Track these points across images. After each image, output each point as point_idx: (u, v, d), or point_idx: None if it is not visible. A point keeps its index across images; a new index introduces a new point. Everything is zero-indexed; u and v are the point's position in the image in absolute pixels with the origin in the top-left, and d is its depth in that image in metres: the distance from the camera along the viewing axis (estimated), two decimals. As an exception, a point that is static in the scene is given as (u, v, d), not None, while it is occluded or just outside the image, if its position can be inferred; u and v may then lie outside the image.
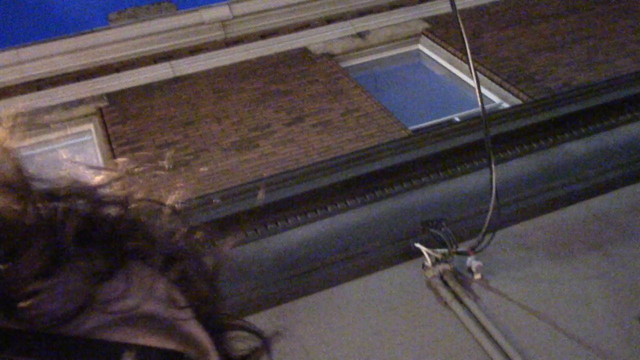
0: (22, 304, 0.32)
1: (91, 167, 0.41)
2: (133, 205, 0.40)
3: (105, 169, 0.42)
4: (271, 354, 0.46)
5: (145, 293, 0.36)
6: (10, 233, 0.34)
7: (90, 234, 0.36)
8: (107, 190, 0.40)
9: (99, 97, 6.34)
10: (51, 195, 0.36)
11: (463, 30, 3.79)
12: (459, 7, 3.98)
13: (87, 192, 0.38)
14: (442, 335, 3.87)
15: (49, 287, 0.33)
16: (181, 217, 0.44)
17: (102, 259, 0.35)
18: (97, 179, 0.40)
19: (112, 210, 0.38)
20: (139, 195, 0.41)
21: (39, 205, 0.35)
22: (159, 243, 0.40)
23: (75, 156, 0.43)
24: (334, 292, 4.11)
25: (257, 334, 0.46)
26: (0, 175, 0.36)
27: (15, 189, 0.36)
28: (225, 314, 0.45)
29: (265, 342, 0.46)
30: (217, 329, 0.43)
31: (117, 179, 0.41)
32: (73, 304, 0.33)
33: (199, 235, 0.45)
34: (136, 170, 0.44)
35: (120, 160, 0.44)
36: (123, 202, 0.39)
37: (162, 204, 0.43)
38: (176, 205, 0.44)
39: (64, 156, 0.42)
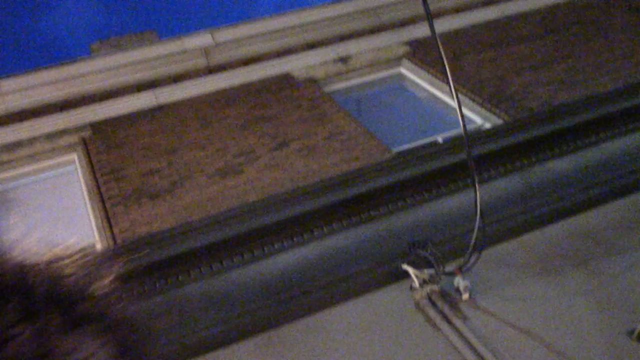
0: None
1: (48, 245, 0.51)
2: (83, 278, 0.49)
3: (57, 246, 0.51)
4: None
5: (93, 351, 0.45)
6: None
7: (51, 300, 0.45)
8: (61, 265, 0.49)
9: (83, 127, 6.33)
10: (21, 267, 0.46)
11: (443, 53, 3.84)
12: (438, 30, 4.03)
13: (47, 266, 0.47)
14: (431, 357, 3.85)
15: (23, 334, 0.41)
16: (122, 291, 0.53)
17: (59, 319, 0.44)
18: (52, 255, 0.50)
19: (67, 282, 0.47)
20: (88, 269, 0.50)
21: (13, 274, 0.45)
22: (104, 310, 0.49)
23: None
24: (322, 316, 4.09)
25: None
26: None
27: None
28: None
29: None
30: None
31: (68, 256, 0.50)
32: (40, 349, 0.41)
33: (133, 304, 0.53)
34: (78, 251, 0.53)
35: (68, 244, 0.52)
36: (75, 276, 0.49)
37: (108, 276, 0.52)
38: (117, 276, 0.53)
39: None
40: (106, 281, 0.51)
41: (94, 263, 0.52)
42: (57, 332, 0.43)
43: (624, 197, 4.89)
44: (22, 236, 0.49)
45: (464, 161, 4.28)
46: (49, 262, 0.48)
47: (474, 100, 6.42)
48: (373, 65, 7.26)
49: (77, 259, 0.50)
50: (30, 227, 0.52)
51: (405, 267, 4.23)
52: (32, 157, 6.11)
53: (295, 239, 4.53)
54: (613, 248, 4.51)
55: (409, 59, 7.27)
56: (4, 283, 0.43)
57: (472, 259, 4.08)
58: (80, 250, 0.51)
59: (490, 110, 6.25)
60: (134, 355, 0.50)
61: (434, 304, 4.10)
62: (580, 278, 4.30)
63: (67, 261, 0.49)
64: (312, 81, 6.90)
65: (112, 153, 5.96)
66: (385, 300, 4.18)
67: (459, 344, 3.86)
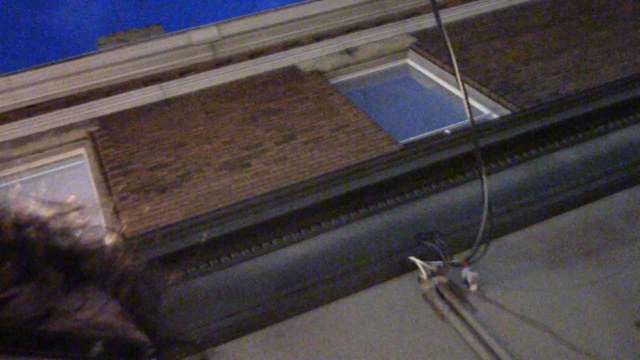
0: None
1: (48, 201, 0.49)
2: (86, 234, 0.48)
3: (58, 203, 0.50)
4: None
5: (99, 308, 0.44)
6: None
7: (53, 257, 0.43)
8: (63, 221, 0.47)
9: (90, 122, 6.35)
10: (20, 223, 0.44)
11: (449, 43, 3.83)
12: (444, 20, 4.01)
13: (48, 222, 0.46)
14: (440, 348, 3.86)
15: (22, 293, 0.40)
16: (129, 243, 0.52)
17: (61, 277, 0.43)
18: (53, 211, 0.48)
19: (69, 239, 0.46)
20: (91, 225, 0.49)
21: (11, 230, 0.43)
22: (110, 267, 0.47)
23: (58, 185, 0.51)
24: (330, 309, 4.10)
25: (198, 348, 0.55)
26: None
27: None
28: (169, 329, 0.53)
29: (205, 356, 0.54)
30: (162, 342, 0.50)
31: (70, 212, 0.49)
32: (41, 309, 0.40)
33: (143, 259, 0.52)
34: (85, 204, 0.52)
35: (71, 198, 0.51)
36: (78, 232, 0.47)
37: (113, 232, 0.51)
38: (124, 233, 0.53)
39: (26, 191, 0.50)
40: (110, 237, 0.50)
41: (97, 220, 0.52)
42: (58, 290, 0.42)
43: (633, 187, 4.87)
44: (20, 194, 0.47)
45: (472, 152, 4.26)
46: (49, 218, 0.46)
47: (481, 91, 6.40)
48: (379, 57, 7.23)
49: (78, 215, 0.49)
50: (28, 187, 0.51)
51: (413, 259, 4.23)
52: (41, 152, 6.14)
53: (302, 231, 4.54)
54: (621, 238, 4.49)
55: (415, 50, 7.24)
56: (1, 240, 0.42)
57: (480, 251, 4.07)
58: (80, 206, 0.51)
59: (497, 101, 6.22)
60: (142, 311, 0.48)
61: (441, 296, 4.10)
62: (589, 269, 4.29)
63: (67, 217, 0.48)
64: (319, 73, 6.89)
65: (120, 147, 5.99)
66: (393, 292, 4.18)
67: (467, 335, 3.87)
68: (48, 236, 0.45)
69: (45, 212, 0.47)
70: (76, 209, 0.49)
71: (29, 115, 6.39)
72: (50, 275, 0.42)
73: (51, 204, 0.48)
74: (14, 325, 0.39)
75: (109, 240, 0.49)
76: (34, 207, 0.47)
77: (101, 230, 0.49)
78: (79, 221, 0.48)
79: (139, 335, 0.46)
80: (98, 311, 0.43)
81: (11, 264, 0.41)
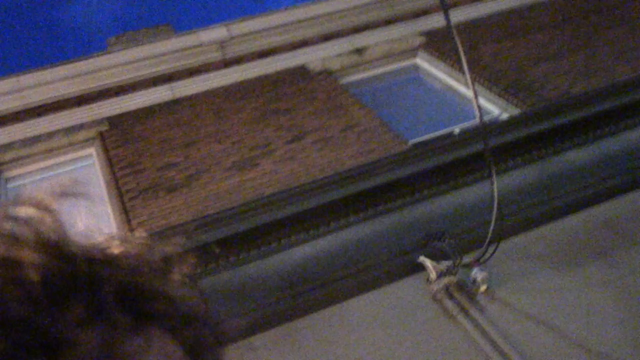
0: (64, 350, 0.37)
1: (111, 235, 0.46)
2: (153, 273, 0.45)
3: (123, 236, 0.47)
4: None
5: (164, 351, 0.42)
6: (56, 286, 0.38)
7: (122, 296, 0.41)
8: (129, 258, 0.44)
9: (100, 122, 6.37)
10: (88, 259, 0.41)
11: (459, 43, 3.81)
12: (454, 20, 4.00)
13: (118, 258, 0.43)
14: (449, 349, 3.84)
15: (91, 336, 0.37)
16: (194, 284, 0.49)
17: (129, 318, 0.40)
18: (120, 246, 0.45)
19: (137, 277, 0.43)
20: (158, 263, 0.46)
21: (84, 265, 0.40)
22: (175, 308, 0.45)
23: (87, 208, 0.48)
24: (339, 308, 4.09)
25: None
26: (45, 234, 0.40)
27: (57, 248, 0.40)
28: None
29: None
30: None
31: (136, 247, 0.46)
32: (107, 353, 0.38)
33: (207, 301, 0.50)
34: (150, 240, 0.48)
35: (138, 231, 0.49)
36: (145, 270, 0.44)
37: (179, 272, 0.48)
38: (188, 273, 0.50)
39: (81, 221, 0.46)
40: (177, 275, 0.47)
41: (158, 255, 0.47)
42: (124, 332, 0.39)
43: (644, 187, 4.83)
44: (82, 226, 0.44)
45: (481, 152, 4.24)
46: (120, 254, 0.43)
47: (491, 90, 6.37)
48: (389, 57, 7.22)
49: (140, 250, 0.46)
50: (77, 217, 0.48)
51: (422, 259, 4.21)
52: (50, 152, 6.17)
53: (311, 231, 4.53)
54: (633, 239, 4.46)
55: (424, 50, 7.22)
56: (74, 274, 0.39)
57: (490, 251, 4.05)
58: (133, 239, 0.47)
59: (507, 100, 6.19)
60: (203, 353, 0.46)
61: (451, 296, 4.08)
62: (599, 269, 4.26)
63: (133, 252, 0.45)
64: (328, 73, 6.88)
65: (129, 147, 6.00)
66: (402, 292, 4.17)
67: (477, 335, 3.85)
68: (118, 273, 0.41)
69: (115, 247, 0.44)
70: (134, 242, 0.46)
71: (39, 115, 6.42)
72: (118, 315, 0.39)
73: (107, 237, 0.45)
74: None
75: (174, 277, 0.46)
76: (96, 240, 0.44)
77: (165, 266, 0.46)
78: (148, 258, 0.45)
79: None
80: (162, 355, 0.41)
81: (80, 301, 0.38)
